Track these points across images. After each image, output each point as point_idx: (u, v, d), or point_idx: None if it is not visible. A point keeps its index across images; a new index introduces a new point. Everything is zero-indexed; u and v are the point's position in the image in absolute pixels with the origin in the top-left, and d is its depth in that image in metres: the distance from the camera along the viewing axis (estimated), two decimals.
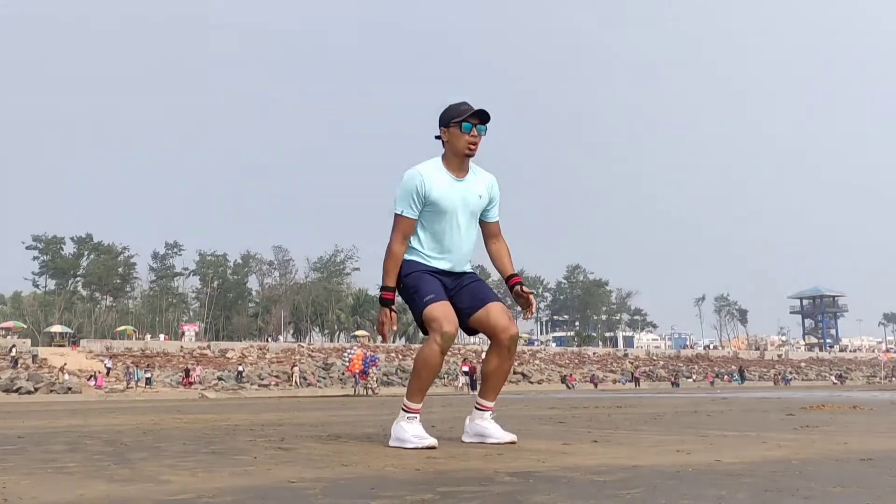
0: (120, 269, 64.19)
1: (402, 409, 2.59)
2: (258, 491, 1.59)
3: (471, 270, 2.79)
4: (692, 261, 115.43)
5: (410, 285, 2.62)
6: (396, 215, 2.63)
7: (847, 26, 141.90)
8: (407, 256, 2.66)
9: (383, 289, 2.64)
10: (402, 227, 2.63)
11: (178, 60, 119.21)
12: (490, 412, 2.68)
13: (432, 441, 2.47)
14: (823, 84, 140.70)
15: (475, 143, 2.60)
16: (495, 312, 2.61)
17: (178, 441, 3.10)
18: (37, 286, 64.16)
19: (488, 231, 2.78)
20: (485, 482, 1.65)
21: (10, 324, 41.82)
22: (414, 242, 2.66)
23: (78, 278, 62.81)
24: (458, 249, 2.67)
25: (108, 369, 30.63)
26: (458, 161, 2.63)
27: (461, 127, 2.57)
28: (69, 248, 62.58)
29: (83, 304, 62.76)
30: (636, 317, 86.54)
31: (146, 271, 67.21)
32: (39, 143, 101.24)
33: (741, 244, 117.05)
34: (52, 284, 62.82)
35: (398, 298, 2.68)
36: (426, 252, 2.66)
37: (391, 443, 2.58)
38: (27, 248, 61.27)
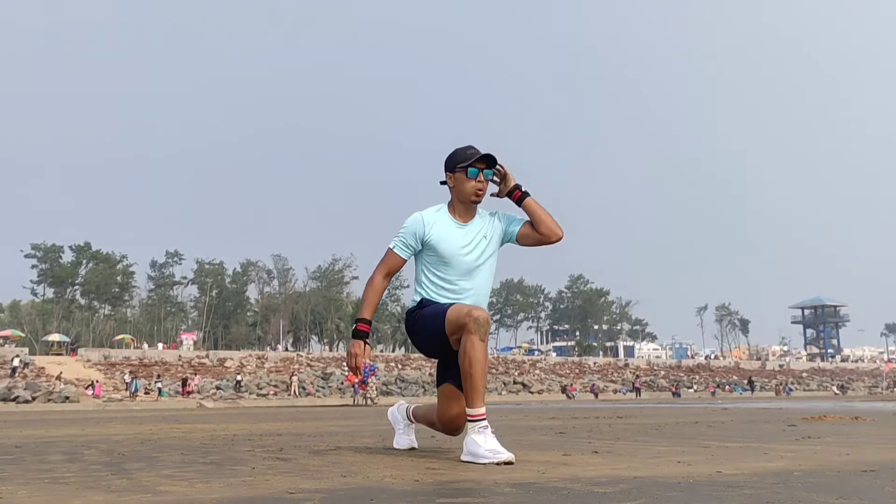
0: (118, 278, 64.13)
1: (469, 420, 2.40)
2: (256, 502, 1.58)
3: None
4: (693, 271, 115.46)
5: (424, 314, 2.56)
6: (388, 249, 2.60)
7: (836, 26, 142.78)
8: (415, 299, 2.65)
9: (359, 320, 2.55)
10: (389, 263, 2.61)
11: (177, 66, 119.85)
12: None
13: (508, 456, 2.25)
14: (823, 92, 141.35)
15: (482, 189, 2.55)
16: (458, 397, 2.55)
17: (175, 451, 3.08)
18: (35, 294, 64.09)
19: (524, 232, 2.61)
20: (485, 493, 1.64)
21: (7, 332, 41.73)
22: (428, 293, 2.61)
23: (76, 287, 62.72)
24: (469, 295, 2.58)
25: (94, 383, 29.83)
26: (464, 207, 2.59)
27: (467, 172, 2.53)
28: (67, 257, 62.58)
29: (81, 313, 62.65)
30: (637, 326, 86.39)
31: (144, 280, 67.24)
32: (38, 150, 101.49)
33: (742, 254, 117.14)
34: (50, 293, 62.75)
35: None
36: (439, 300, 2.58)
37: (463, 457, 2.37)
38: (25, 256, 61.25)
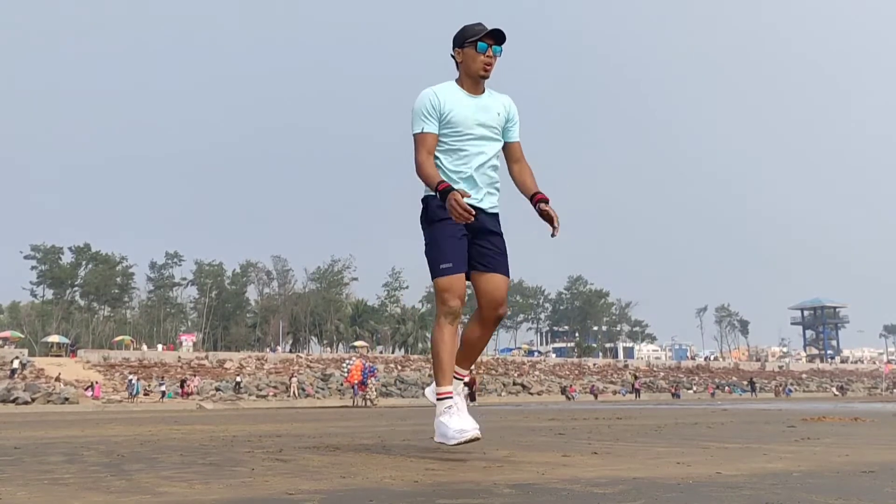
0: (118, 279, 64.11)
1: (437, 400, 2.49)
2: (256, 503, 1.58)
3: (496, 207, 2.64)
4: (693, 272, 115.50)
5: (434, 239, 2.50)
6: (416, 135, 2.53)
7: (835, 25, 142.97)
8: (427, 192, 2.55)
9: (439, 183, 2.41)
10: (425, 144, 2.52)
11: (177, 66, 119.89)
12: (461, 383, 2.64)
13: (474, 433, 2.35)
14: (823, 93, 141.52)
15: (490, 64, 2.55)
16: (497, 282, 2.53)
17: (175, 452, 3.08)
18: (34, 296, 64.08)
19: (510, 154, 2.68)
20: (484, 494, 1.64)
21: (7, 333, 41.69)
22: (438, 167, 2.55)
23: (76, 288, 62.71)
24: (479, 172, 2.55)
25: (94, 384, 29.71)
26: (472, 82, 2.58)
27: (476, 47, 2.53)
28: (67, 258, 62.57)
29: (81, 314, 62.62)
30: (636, 328, 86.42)
31: (144, 281, 67.21)
32: (37, 151, 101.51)
33: (742, 255, 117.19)
34: (49, 294, 62.71)
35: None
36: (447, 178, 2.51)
37: (436, 438, 2.48)
38: (25, 257, 61.25)
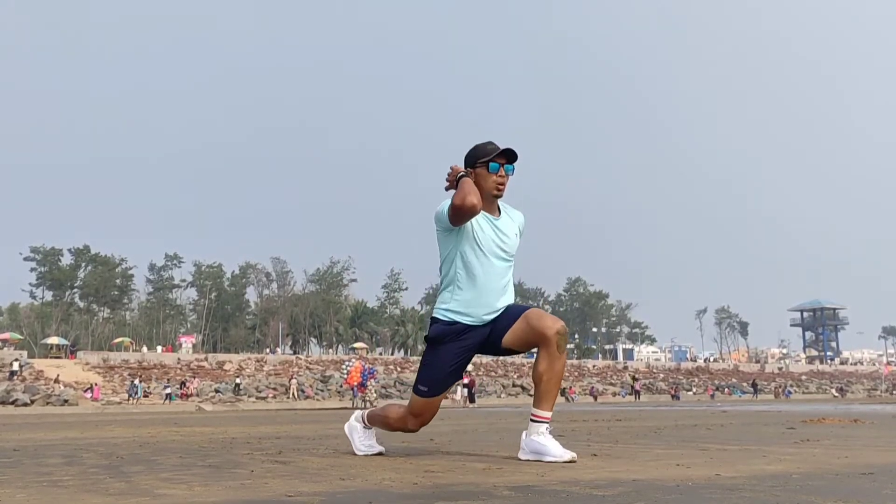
0: (118, 281, 64.08)
1: (366, 421, 2.86)
2: None
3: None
4: (692, 273, 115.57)
5: (424, 358, 2.65)
6: (445, 217, 2.54)
7: (837, 27, 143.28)
8: (443, 307, 2.61)
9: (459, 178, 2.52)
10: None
11: (176, 67, 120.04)
12: (547, 424, 2.48)
13: (380, 449, 2.77)
14: (823, 94, 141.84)
15: (503, 184, 2.58)
16: (534, 316, 2.51)
17: (174, 454, 3.08)
18: (34, 297, 64.03)
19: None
20: (483, 496, 1.64)
21: (6, 335, 41.65)
22: (448, 294, 2.60)
23: (75, 290, 62.68)
24: (496, 294, 2.58)
25: (93, 386, 29.66)
26: (486, 202, 2.58)
27: (488, 167, 2.55)
28: (66, 260, 62.54)
29: (80, 316, 62.59)
30: (636, 329, 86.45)
31: (143, 283, 67.18)
32: (37, 153, 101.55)
33: (741, 256, 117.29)
34: (49, 296, 62.67)
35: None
36: (461, 309, 2.57)
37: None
38: (25, 259, 61.20)
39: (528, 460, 2.48)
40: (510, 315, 2.57)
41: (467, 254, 2.56)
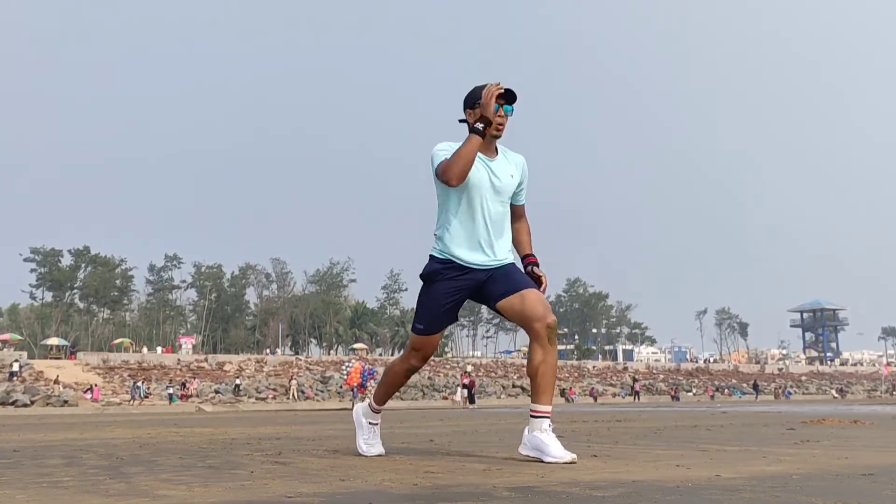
0: (117, 282, 64.08)
1: (371, 410, 2.88)
2: None
3: (510, 259, 2.66)
4: (692, 274, 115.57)
5: (420, 293, 2.63)
6: (438, 166, 2.50)
7: (836, 20, 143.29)
8: (438, 246, 2.59)
9: (472, 130, 2.49)
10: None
11: (176, 67, 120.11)
12: (548, 420, 2.46)
13: (380, 450, 2.83)
14: (823, 95, 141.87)
15: (502, 124, 2.56)
16: (531, 300, 2.47)
17: (174, 455, 3.08)
18: (34, 298, 64.03)
19: (513, 212, 2.71)
20: (483, 497, 1.64)
21: (6, 336, 41.64)
22: (442, 231, 2.59)
23: (75, 290, 62.67)
24: (490, 234, 2.56)
25: (93, 387, 29.63)
26: (485, 143, 2.55)
27: None
28: (66, 260, 62.53)
29: (80, 317, 62.59)
30: (636, 330, 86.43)
31: (143, 284, 67.16)
32: (36, 155, 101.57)
33: (741, 257, 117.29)
34: (49, 296, 62.65)
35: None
36: (454, 247, 2.55)
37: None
38: (25, 259, 61.22)
39: (528, 457, 2.48)
40: (511, 283, 2.54)
41: (460, 194, 2.55)
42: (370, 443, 2.84)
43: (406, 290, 72.17)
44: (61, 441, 4.51)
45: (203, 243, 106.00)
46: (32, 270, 61.24)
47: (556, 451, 2.39)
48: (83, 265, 63.01)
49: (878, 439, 3.64)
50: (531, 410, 2.52)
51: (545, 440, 2.43)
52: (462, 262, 2.55)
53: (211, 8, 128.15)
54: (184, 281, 68.34)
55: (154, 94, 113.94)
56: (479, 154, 2.55)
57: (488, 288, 2.57)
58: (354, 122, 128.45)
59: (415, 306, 2.68)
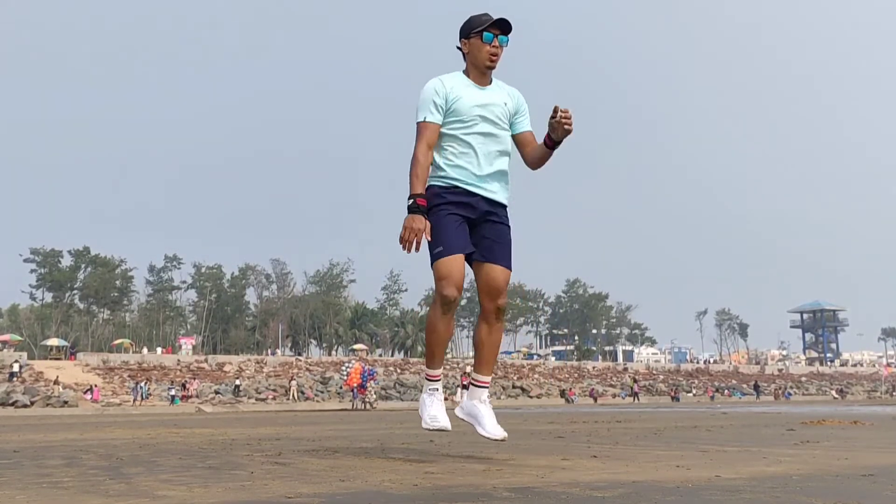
0: (117, 283, 64.07)
1: (425, 379, 2.67)
2: None
3: (505, 203, 2.59)
4: (692, 275, 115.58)
5: (431, 221, 2.47)
6: (418, 124, 2.51)
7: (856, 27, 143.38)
8: (435, 179, 2.53)
9: (414, 196, 2.43)
10: (426, 135, 2.50)
11: (176, 68, 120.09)
12: (487, 391, 2.63)
13: (444, 424, 2.53)
14: (822, 96, 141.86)
15: (497, 54, 2.52)
16: (496, 273, 2.51)
17: (174, 455, 3.08)
18: (34, 299, 64.03)
19: (523, 142, 2.62)
20: (483, 498, 1.64)
21: (6, 336, 41.64)
22: (438, 159, 2.53)
23: (75, 291, 62.66)
24: (486, 165, 2.51)
25: (93, 387, 29.61)
26: (478, 73, 2.55)
27: (482, 37, 2.50)
28: (66, 261, 62.53)
29: (80, 318, 62.57)
30: (636, 331, 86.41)
31: (143, 284, 67.16)
32: (37, 155, 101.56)
33: (741, 258, 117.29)
34: (49, 297, 62.64)
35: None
36: (450, 174, 2.50)
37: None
38: (25, 260, 61.23)
39: (463, 420, 2.65)
40: (491, 251, 2.53)
41: (453, 127, 2.52)
42: (431, 414, 2.64)
43: (406, 290, 72.24)
44: (61, 442, 4.51)
45: (202, 244, 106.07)
46: (32, 271, 61.29)
47: (490, 428, 2.55)
48: (83, 266, 63.01)
49: (878, 440, 3.64)
50: (473, 379, 2.66)
51: (483, 412, 2.57)
52: (461, 186, 2.50)
53: (211, 8, 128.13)
54: (184, 282, 68.42)
55: (153, 94, 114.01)
56: (471, 81, 2.55)
57: (476, 234, 2.54)
58: (354, 121, 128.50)
59: (428, 241, 2.46)
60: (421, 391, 2.89)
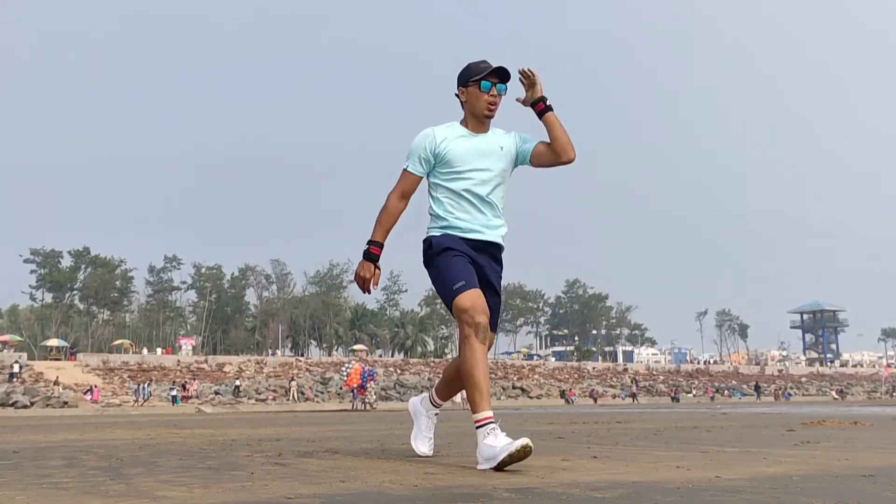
0: (117, 283, 64.07)
1: (476, 428, 2.30)
2: None
3: (502, 243, 2.58)
4: (692, 275, 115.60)
5: (440, 268, 2.45)
6: (402, 170, 2.54)
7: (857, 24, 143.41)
8: (436, 230, 2.52)
9: (370, 242, 2.50)
10: (403, 183, 2.54)
11: (177, 69, 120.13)
12: (436, 411, 2.93)
13: (524, 441, 2.18)
14: (822, 96, 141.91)
15: (495, 104, 2.50)
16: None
17: (174, 456, 3.08)
18: (34, 299, 64.03)
19: (538, 150, 2.57)
20: (483, 498, 1.64)
21: (6, 337, 41.63)
22: (437, 209, 2.54)
23: (75, 292, 62.66)
24: (480, 213, 2.50)
25: (93, 388, 29.63)
26: (476, 122, 2.53)
27: (480, 86, 2.48)
28: (66, 262, 62.53)
29: (80, 318, 62.57)
30: (636, 331, 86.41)
31: (143, 285, 67.16)
32: (37, 156, 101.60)
33: (741, 259, 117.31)
34: (48, 298, 62.64)
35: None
36: (450, 223, 2.49)
37: (480, 466, 2.24)
38: (25, 261, 61.21)
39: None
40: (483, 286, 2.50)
41: (447, 177, 2.51)
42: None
43: (406, 290, 72.23)
44: (61, 442, 4.51)
45: (202, 244, 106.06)
46: (32, 271, 61.28)
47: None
48: (83, 266, 63.01)
49: (878, 440, 3.64)
50: (433, 399, 2.91)
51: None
52: (459, 235, 2.49)
53: (212, 8, 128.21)
54: (184, 282, 68.41)
55: (154, 94, 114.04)
56: (467, 130, 2.55)
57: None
58: (354, 121, 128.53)
59: (439, 287, 2.47)
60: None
